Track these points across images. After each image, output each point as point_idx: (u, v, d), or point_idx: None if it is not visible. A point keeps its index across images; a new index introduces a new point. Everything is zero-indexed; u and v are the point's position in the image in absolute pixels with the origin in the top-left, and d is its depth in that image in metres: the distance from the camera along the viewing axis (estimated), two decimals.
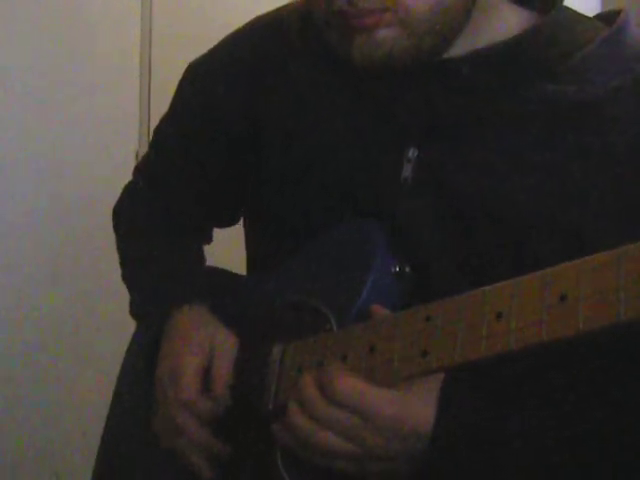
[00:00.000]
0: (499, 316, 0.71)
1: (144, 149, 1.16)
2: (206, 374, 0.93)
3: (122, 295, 1.09)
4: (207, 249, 1.11)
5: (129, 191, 1.14)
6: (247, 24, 1.01)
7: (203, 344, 0.93)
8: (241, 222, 1.09)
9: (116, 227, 1.13)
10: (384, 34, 0.80)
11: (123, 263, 1.10)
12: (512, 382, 0.79)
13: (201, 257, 1.09)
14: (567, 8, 0.87)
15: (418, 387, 0.76)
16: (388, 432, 0.76)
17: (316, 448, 0.78)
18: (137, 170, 1.15)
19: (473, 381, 0.77)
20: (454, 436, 0.76)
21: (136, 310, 1.06)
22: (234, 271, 1.07)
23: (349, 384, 0.77)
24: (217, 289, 1.01)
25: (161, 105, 1.11)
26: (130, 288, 1.07)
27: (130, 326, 1.12)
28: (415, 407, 0.76)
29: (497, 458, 0.77)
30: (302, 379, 0.80)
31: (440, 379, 0.77)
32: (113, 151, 2.13)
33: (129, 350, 1.12)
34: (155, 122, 1.12)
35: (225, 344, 0.94)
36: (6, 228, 2.09)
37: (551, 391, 0.79)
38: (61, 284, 2.13)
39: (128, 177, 1.16)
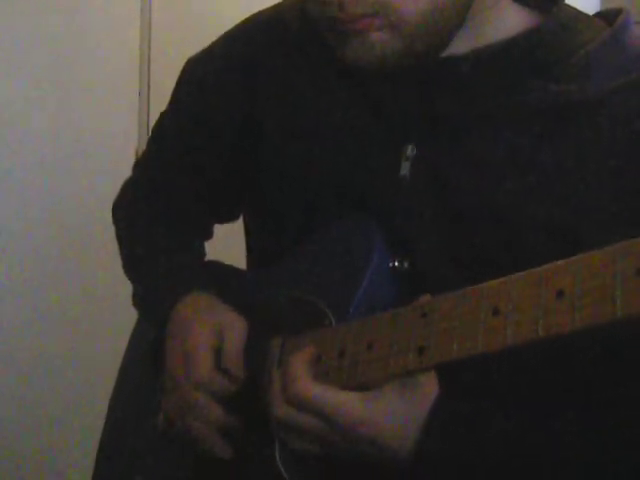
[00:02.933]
0: (496, 312, 0.71)
1: (144, 147, 1.16)
2: (217, 354, 0.92)
3: (123, 291, 1.09)
4: (207, 244, 1.11)
5: (129, 186, 1.14)
6: (245, 20, 1.02)
7: (213, 325, 0.93)
8: (241, 218, 1.09)
9: (116, 222, 1.13)
10: (376, 37, 0.81)
11: (124, 257, 1.10)
12: (502, 391, 0.81)
13: (202, 251, 1.09)
14: (568, 6, 0.87)
15: (408, 395, 0.77)
16: (354, 436, 0.77)
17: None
18: (137, 166, 1.15)
19: (458, 404, 0.78)
20: (438, 457, 0.77)
21: (139, 301, 1.06)
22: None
23: (307, 388, 0.79)
24: (219, 281, 1.01)
25: (161, 104, 1.11)
26: (133, 281, 1.07)
27: (132, 322, 1.12)
28: (395, 415, 0.77)
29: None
30: (271, 374, 0.83)
31: (431, 396, 0.77)
32: (113, 149, 2.13)
33: (131, 343, 1.12)
34: (154, 120, 1.12)
35: (235, 324, 0.93)
36: (6, 226, 2.08)
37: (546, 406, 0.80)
38: (61, 281, 2.12)
39: (128, 175, 1.16)
